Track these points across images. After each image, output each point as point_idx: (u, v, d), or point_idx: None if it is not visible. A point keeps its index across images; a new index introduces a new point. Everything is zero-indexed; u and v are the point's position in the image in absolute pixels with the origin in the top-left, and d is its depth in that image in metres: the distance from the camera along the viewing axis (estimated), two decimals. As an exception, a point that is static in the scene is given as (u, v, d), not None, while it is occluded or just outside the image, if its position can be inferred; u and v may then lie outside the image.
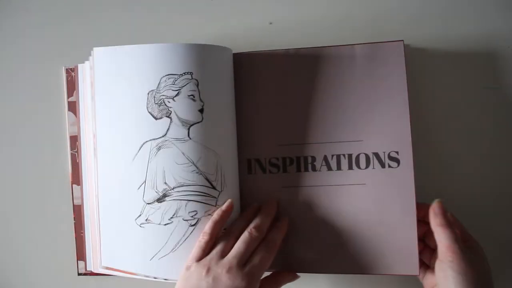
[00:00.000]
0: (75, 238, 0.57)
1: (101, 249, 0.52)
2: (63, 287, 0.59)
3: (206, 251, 0.48)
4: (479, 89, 0.56)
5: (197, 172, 0.51)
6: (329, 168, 0.53)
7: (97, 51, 0.52)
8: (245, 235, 0.48)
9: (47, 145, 0.59)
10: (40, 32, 0.59)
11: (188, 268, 0.48)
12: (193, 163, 0.51)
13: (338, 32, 0.56)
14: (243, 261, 0.46)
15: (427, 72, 0.56)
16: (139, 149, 0.51)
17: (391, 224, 0.51)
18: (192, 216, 0.51)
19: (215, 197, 0.51)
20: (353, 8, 0.57)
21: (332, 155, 0.53)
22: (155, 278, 0.51)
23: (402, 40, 0.52)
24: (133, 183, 0.51)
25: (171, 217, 0.51)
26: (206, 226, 0.50)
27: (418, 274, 0.50)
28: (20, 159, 0.59)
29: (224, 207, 0.51)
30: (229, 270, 0.45)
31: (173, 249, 0.51)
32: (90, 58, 0.52)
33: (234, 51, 0.54)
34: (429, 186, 0.55)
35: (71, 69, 0.57)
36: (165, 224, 0.51)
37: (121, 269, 0.52)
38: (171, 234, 0.51)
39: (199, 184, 0.51)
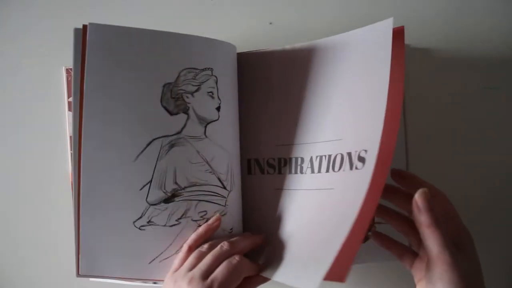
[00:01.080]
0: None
1: (79, 256, 0.47)
2: (63, 287, 0.59)
3: (183, 262, 0.47)
4: (479, 89, 0.56)
5: (210, 172, 0.49)
6: (312, 171, 0.50)
7: (93, 27, 0.45)
8: (216, 249, 0.46)
9: (47, 145, 0.59)
10: (40, 32, 0.59)
11: (165, 279, 0.47)
12: (207, 162, 0.49)
13: (338, 32, 0.56)
14: (207, 273, 0.45)
15: (427, 72, 0.56)
16: (146, 146, 0.47)
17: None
18: (201, 217, 0.49)
19: (225, 197, 0.50)
20: (353, 8, 0.57)
21: (317, 156, 0.50)
22: (154, 283, 0.49)
23: (391, 18, 0.45)
24: (134, 183, 0.47)
25: (179, 218, 0.49)
26: (189, 238, 0.48)
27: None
28: (20, 159, 0.59)
29: (210, 221, 0.49)
30: (190, 281, 0.44)
31: (178, 250, 0.48)
32: (75, 32, 0.46)
33: (234, 51, 0.54)
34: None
35: (71, 69, 0.57)
36: (171, 226, 0.48)
37: (107, 275, 0.48)
38: (177, 235, 0.48)
39: (211, 184, 0.49)
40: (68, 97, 0.58)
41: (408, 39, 0.55)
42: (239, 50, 0.54)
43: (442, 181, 0.56)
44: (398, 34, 0.47)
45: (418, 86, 0.56)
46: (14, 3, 0.59)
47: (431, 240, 0.39)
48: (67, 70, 0.58)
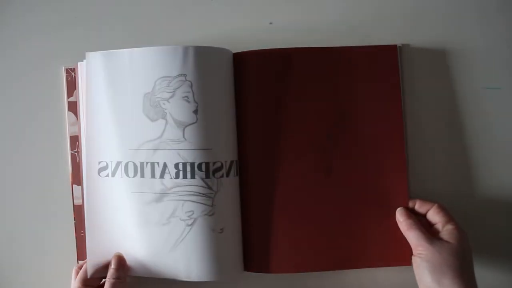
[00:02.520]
0: (75, 238, 0.57)
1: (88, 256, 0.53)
2: (63, 287, 0.59)
3: None
4: (479, 89, 0.56)
5: (193, 173, 0.51)
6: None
7: (90, 56, 0.53)
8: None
9: (47, 145, 0.59)
10: (40, 32, 0.59)
11: None
12: (188, 163, 0.51)
13: (338, 32, 0.56)
14: None
15: (427, 72, 0.56)
16: (136, 151, 0.52)
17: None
18: (189, 216, 0.51)
19: (211, 197, 0.51)
20: (353, 8, 0.57)
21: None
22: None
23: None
24: (129, 185, 0.52)
25: (169, 217, 0.51)
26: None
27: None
28: (20, 159, 0.59)
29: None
30: None
31: (171, 249, 0.51)
32: (84, 61, 0.53)
33: (234, 51, 0.54)
34: (428, 186, 0.55)
35: (71, 69, 0.57)
36: (162, 224, 0.51)
37: None
38: (168, 234, 0.51)
39: (195, 185, 0.51)
40: (68, 97, 0.58)
41: (408, 39, 0.55)
42: (238, 50, 0.54)
43: (442, 181, 0.56)
44: (391, 51, 0.54)
45: (418, 86, 0.56)
46: (14, 4, 0.59)
47: (411, 237, 0.51)
48: (67, 70, 0.58)
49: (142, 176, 0.52)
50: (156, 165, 0.51)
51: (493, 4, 0.56)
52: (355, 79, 0.54)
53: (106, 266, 0.53)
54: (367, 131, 0.53)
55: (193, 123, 0.51)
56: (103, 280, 0.53)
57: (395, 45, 0.54)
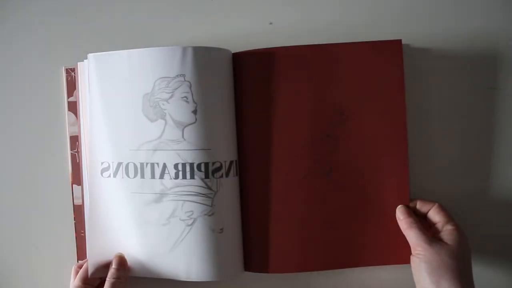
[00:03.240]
0: (75, 238, 0.57)
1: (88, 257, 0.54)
2: (63, 286, 0.59)
3: None
4: (480, 89, 0.56)
5: (192, 173, 0.51)
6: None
7: (90, 57, 0.53)
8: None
9: (47, 145, 0.59)
10: (40, 32, 0.59)
11: None
12: (188, 163, 0.51)
13: (338, 32, 0.56)
14: None
15: (427, 72, 0.56)
16: (136, 151, 0.52)
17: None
18: (188, 216, 0.51)
19: (210, 197, 0.52)
20: (353, 8, 0.57)
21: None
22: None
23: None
24: (130, 185, 0.52)
25: (169, 218, 0.52)
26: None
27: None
28: (20, 159, 0.59)
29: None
30: None
31: (171, 249, 0.52)
32: (85, 61, 0.54)
33: (234, 52, 0.54)
34: (428, 186, 0.55)
35: (71, 69, 0.57)
36: (163, 225, 0.52)
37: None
38: (168, 234, 0.52)
39: (194, 185, 0.51)
40: (68, 97, 0.58)
41: (408, 39, 0.55)
42: (238, 50, 0.54)
43: (442, 181, 0.56)
44: (396, 46, 0.53)
45: (418, 86, 0.56)
46: (14, 3, 0.59)
47: (410, 236, 0.51)
48: (67, 70, 0.58)
49: (142, 176, 0.52)
50: (155, 165, 0.52)
51: (493, 4, 0.56)
52: (358, 76, 0.53)
53: (106, 266, 0.53)
54: (368, 129, 0.53)
55: (192, 123, 0.51)
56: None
57: (400, 40, 0.53)
